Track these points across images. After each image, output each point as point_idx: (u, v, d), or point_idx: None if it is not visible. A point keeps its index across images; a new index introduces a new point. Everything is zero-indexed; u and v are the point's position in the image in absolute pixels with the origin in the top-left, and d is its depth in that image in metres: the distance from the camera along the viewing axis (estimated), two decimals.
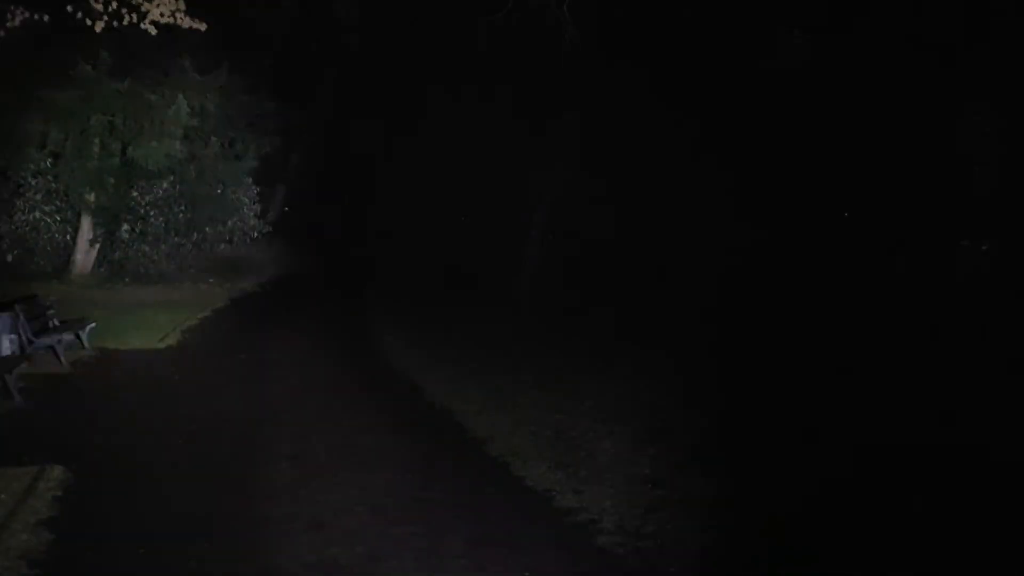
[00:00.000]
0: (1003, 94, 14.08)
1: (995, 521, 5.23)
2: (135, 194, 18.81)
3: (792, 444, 6.98)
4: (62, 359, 9.90)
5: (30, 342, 9.42)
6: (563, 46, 15.67)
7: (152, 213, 19.06)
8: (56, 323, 10.53)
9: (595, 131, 21.09)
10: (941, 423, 7.37)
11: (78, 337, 10.77)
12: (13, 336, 9.11)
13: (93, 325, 11.25)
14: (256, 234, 21.62)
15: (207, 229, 20.14)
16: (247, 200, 20.97)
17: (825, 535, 5.09)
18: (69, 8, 11.32)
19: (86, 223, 18.50)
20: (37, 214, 18.36)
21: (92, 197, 18.34)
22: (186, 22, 11.96)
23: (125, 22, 11.55)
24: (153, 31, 11.82)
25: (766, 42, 17.41)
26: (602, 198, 22.24)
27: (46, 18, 11.70)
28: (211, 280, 19.60)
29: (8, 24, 11.68)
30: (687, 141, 19.06)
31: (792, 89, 17.24)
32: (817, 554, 4.86)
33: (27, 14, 11.67)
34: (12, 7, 11.64)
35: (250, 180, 20.98)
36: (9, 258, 18.09)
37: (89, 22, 11.40)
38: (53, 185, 18.32)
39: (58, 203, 18.55)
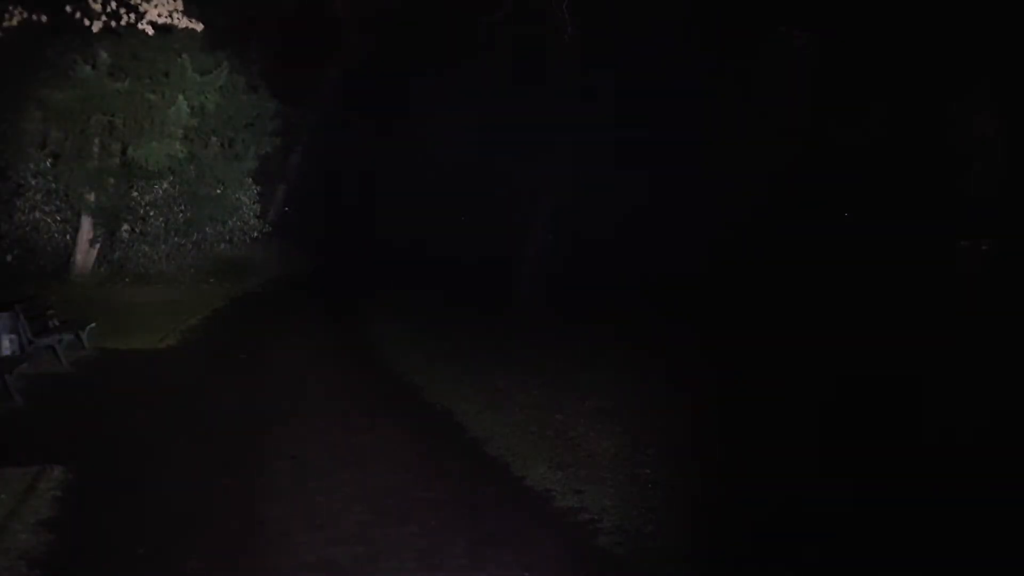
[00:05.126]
0: (1003, 92, 14.09)
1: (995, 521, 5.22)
2: (135, 194, 18.83)
3: (795, 444, 6.97)
4: (62, 359, 9.90)
5: (30, 342, 9.42)
6: (563, 44, 15.70)
7: (152, 213, 19.08)
8: (56, 323, 10.53)
9: (595, 129, 21.09)
10: (941, 424, 7.36)
11: (78, 337, 10.77)
12: (13, 336, 9.11)
13: (93, 325, 11.26)
14: (256, 234, 21.64)
15: (207, 229, 20.17)
16: (247, 200, 20.98)
17: (828, 535, 5.08)
18: (68, 8, 11.35)
19: (86, 223, 18.51)
20: (37, 214, 18.39)
21: (92, 197, 18.35)
22: (183, 22, 11.99)
23: (123, 22, 11.57)
24: (151, 31, 11.85)
25: (766, 39, 17.45)
26: (603, 197, 22.25)
27: (44, 18, 11.73)
28: (211, 280, 19.60)
29: (6, 24, 11.71)
30: (685, 140, 19.07)
31: (792, 87, 17.26)
32: (819, 555, 4.85)
33: (25, 14, 11.70)
34: (11, 7, 11.67)
35: (250, 180, 21.00)
36: (9, 258, 18.10)
37: (88, 22, 11.42)
38: (53, 185, 18.33)
39: (58, 203, 18.57)
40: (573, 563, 4.75)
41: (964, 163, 15.57)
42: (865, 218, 17.16)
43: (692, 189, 19.73)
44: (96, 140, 18.19)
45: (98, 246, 18.82)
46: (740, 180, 18.37)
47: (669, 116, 18.91)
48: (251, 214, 21.17)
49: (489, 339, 12.58)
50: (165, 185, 18.95)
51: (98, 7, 11.18)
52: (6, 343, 8.95)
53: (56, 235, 18.73)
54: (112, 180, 18.46)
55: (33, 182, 18.22)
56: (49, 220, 18.54)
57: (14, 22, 11.65)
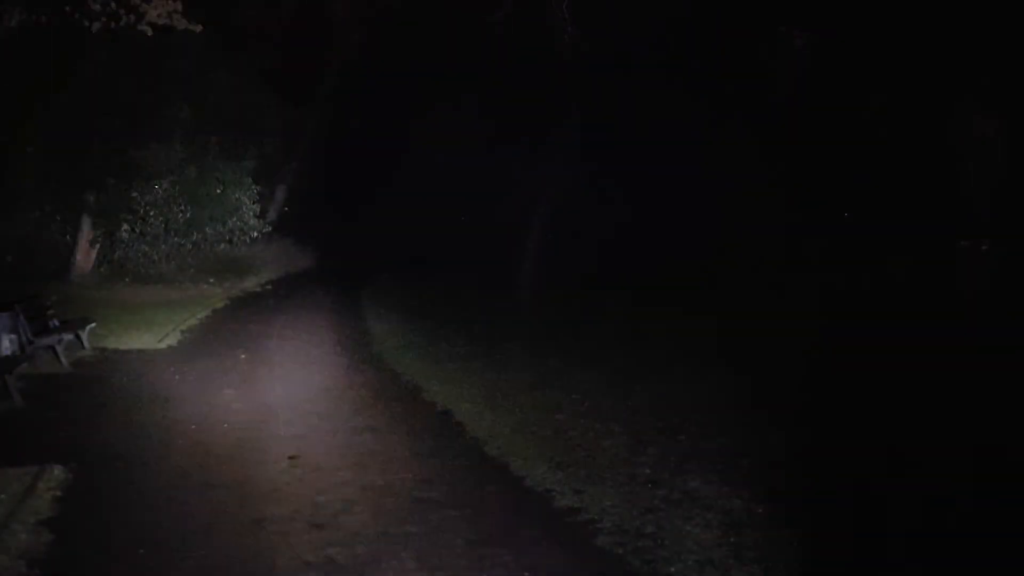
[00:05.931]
0: (1003, 92, 14.08)
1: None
2: (135, 194, 18.82)
3: (795, 444, 6.97)
4: (62, 359, 9.91)
5: (30, 342, 9.42)
6: (563, 43, 15.71)
7: (152, 213, 19.07)
8: (56, 323, 10.53)
9: (595, 128, 21.11)
10: (941, 424, 7.37)
11: (78, 337, 10.77)
12: (13, 336, 9.11)
13: (93, 325, 11.26)
14: (256, 234, 21.63)
15: (207, 229, 20.16)
16: (247, 200, 20.98)
17: (828, 535, 5.08)
18: (67, 8, 11.34)
19: (86, 223, 18.51)
20: (37, 214, 18.37)
21: (92, 197, 18.35)
22: (182, 23, 11.98)
23: (122, 23, 11.56)
24: (149, 32, 11.84)
25: (766, 41, 17.47)
26: (603, 195, 22.27)
27: (44, 18, 11.73)
28: (211, 280, 19.60)
29: (6, 24, 11.71)
30: (685, 140, 19.08)
31: (793, 87, 17.27)
32: (819, 554, 4.85)
33: (25, 14, 11.70)
34: (11, 7, 11.66)
35: (250, 180, 21.00)
36: (9, 258, 18.10)
37: (87, 23, 11.41)
38: (53, 185, 18.32)
39: (58, 203, 18.55)
40: (573, 563, 4.76)
41: (964, 163, 15.57)
42: (865, 218, 17.17)
43: (692, 189, 19.73)
44: (96, 140, 18.20)
45: (98, 246, 18.82)
46: (740, 180, 18.37)
47: (669, 116, 18.91)
48: (251, 214, 21.17)
49: (489, 339, 12.58)
50: (165, 185, 18.95)
51: (97, 8, 11.18)
52: (6, 343, 8.95)
53: (56, 235, 18.73)
54: (112, 180, 18.47)
55: (33, 182, 18.22)
56: (49, 220, 18.54)
57: (14, 22, 11.65)
